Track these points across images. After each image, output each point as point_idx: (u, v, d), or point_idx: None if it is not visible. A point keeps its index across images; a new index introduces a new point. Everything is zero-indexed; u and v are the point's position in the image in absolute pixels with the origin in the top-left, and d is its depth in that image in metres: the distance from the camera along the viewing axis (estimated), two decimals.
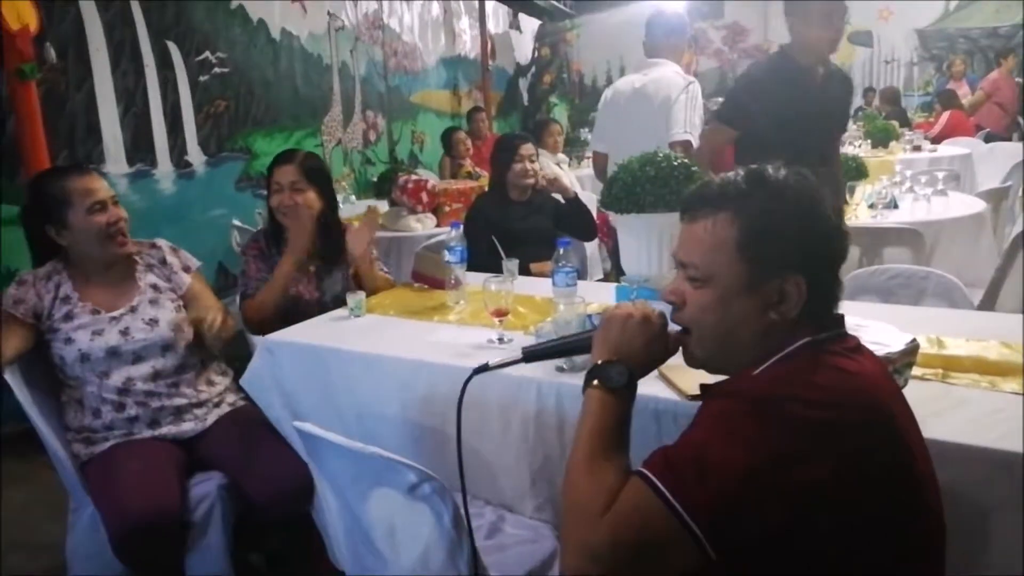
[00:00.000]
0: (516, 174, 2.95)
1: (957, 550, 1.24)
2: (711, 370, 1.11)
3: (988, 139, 7.51)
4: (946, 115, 7.52)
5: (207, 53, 4.57)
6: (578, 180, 5.34)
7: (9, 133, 3.25)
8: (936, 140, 6.87)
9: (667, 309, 1.13)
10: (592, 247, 3.90)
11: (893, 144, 6.02)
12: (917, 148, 5.91)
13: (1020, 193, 5.00)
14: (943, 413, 1.34)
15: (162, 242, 2.19)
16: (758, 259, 0.99)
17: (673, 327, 1.13)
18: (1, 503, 2.47)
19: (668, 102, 3.12)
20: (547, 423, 1.61)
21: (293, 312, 2.28)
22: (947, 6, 9.78)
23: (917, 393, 1.40)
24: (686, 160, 1.74)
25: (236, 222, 4.38)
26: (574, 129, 9.61)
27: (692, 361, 1.10)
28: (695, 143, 3.08)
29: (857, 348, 1.02)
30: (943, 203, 3.51)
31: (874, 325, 1.41)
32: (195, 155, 4.54)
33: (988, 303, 2.75)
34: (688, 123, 3.07)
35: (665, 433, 1.43)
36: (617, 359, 1.08)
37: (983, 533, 1.26)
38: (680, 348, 1.12)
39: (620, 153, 3.38)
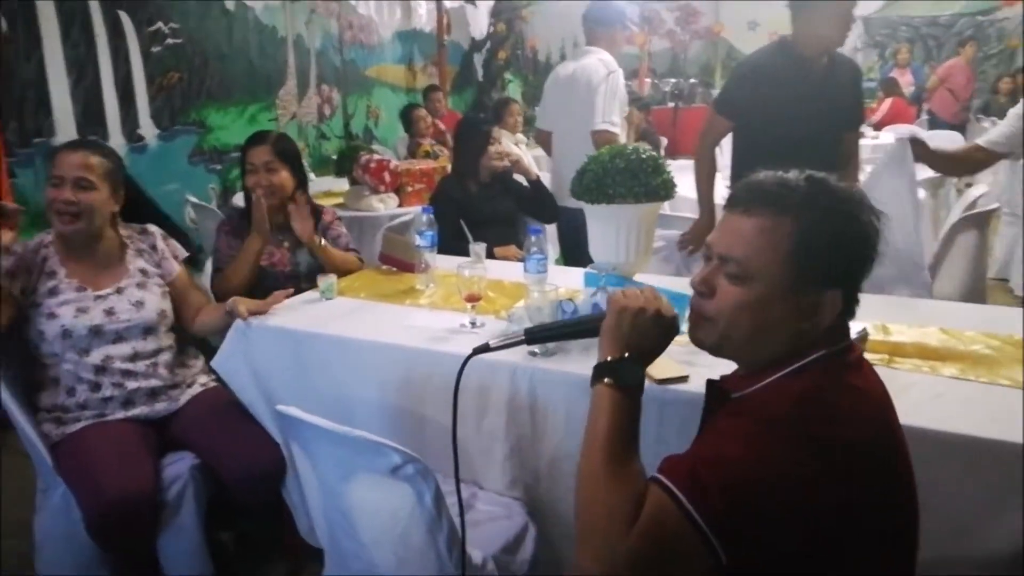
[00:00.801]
0: (490, 157, 3.00)
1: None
2: (718, 354, 1.10)
3: (932, 126, 7.77)
4: (888, 102, 7.77)
5: (160, 24, 4.46)
6: (535, 160, 5.39)
7: None
8: (878, 126, 7.10)
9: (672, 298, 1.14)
10: (551, 230, 3.97)
11: None
12: (860, 135, 6.09)
13: (955, 182, 5.25)
14: (893, 397, 1.45)
15: (153, 228, 2.20)
16: (807, 269, 0.99)
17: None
18: None
19: (590, 91, 3.36)
20: (520, 405, 1.68)
21: (271, 284, 2.30)
22: None
23: None
24: (654, 153, 1.81)
25: (191, 197, 4.31)
26: (530, 107, 9.63)
27: (701, 344, 1.09)
28: (616, 132, 3.31)
29: (860, 359, 1.06)
30: None
31: None
32: (147, 128, 4.45)
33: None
34: (605, 113, 3.29)
35: (668, 423, 1.48)
36: (629, 355, 1.07)
37: (925, 515, 1.37)
38: (695, 329, 1.10)
39: (558, 133, 3.65)
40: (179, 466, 1.94)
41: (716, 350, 1.08)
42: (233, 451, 1.96)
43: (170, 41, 4.54)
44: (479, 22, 10.25)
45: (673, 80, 10.03)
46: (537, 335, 1.25)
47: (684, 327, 1.13)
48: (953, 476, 1.34)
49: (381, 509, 1.38)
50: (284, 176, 2.41)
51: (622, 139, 3.49)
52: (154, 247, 2.17)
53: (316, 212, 2.52)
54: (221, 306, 2.09)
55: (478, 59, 10.37)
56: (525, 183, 3.21)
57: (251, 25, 5.39)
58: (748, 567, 0.90)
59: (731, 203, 1.07)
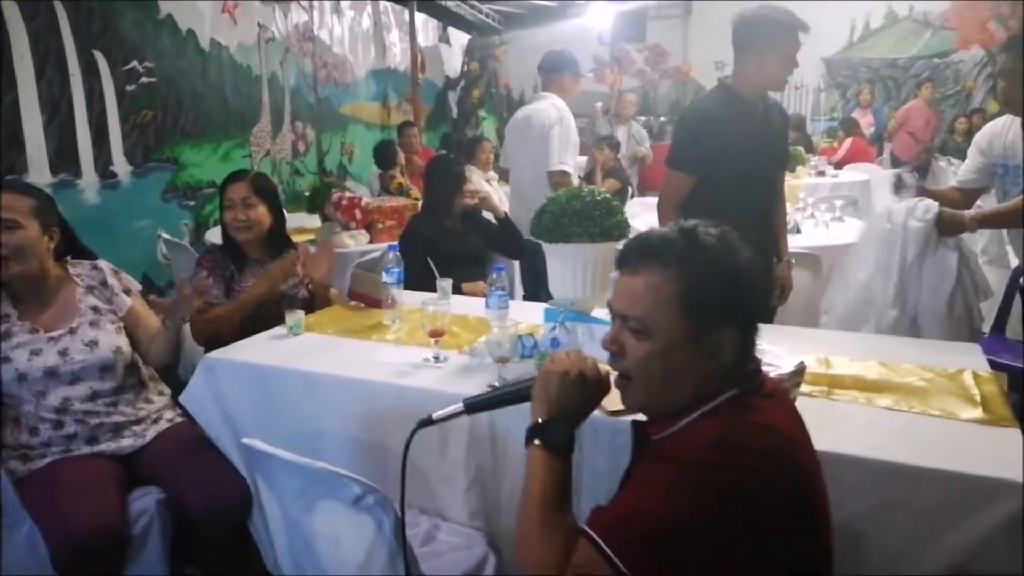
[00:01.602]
0: (464, 197, 3.11)
1: (837, 545, 1.44)
2: (648, 413, 1.17)
3: (894, 166, 8.00)
4: (848, 141, 8.01)
5: (135, 63, 4.53)
6: (505, 196, 5.50)
7: None
8: (839, 165, 7.32)
9: (604, 355, 1.19)
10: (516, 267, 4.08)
11: (800, 169, 6.37)
12: (821, 173, 6.30)
13: None
14: (826, 427, 1.53)
15: (103, 263, 2.20)
16: (699, 314, 1.06)
17: (605, 367, 1.20)
18: None
19: (543, 134, 3.61)
20: (480, 437, 1.74)
21: (255, 313, 2.39)
22: (851, 37, 10.39)
23: (805, 408, 1.58)
24: (608, 196, 1.90)
25: (163, 234, 4.35)
26: (502, 143, 9.78)
27: (631, 405, 1.16)
28: (568, 170, 3.56)
29: (771, 393, 1.14)
30: (840, 228, 3.81)
31: (771, 349, 1.59)
32: (120, 165, 4.49)
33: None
34: (559, 154, 3.55)
35: (617, 447, 1.54)
36: (557, 416, 1.15)
37: (856, 533, 1.45)
38: (618, 389, 1.17)
39: (515, 172, 3.94)
40: (145, 501, 1.96)
41: (645, 410, 1.16)
42: (199, 485, 1.99)
43: (144, 80, 4.61)
44: (453, 61, 10.46)
45: (643, 118, 10.27)
46: (476, 405, 1.31)
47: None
48: (885, 502, 1.42)
49: (343, 539, 1.43)
50: (261, 211, 2.50)
51: (574, 179, 3.69)
52: (104, 283, 2.16)
53: (291, 248, 2.60)
54: (159, 331, 2.12)
55: (452, 97, 10.56)
56: (493, 220, 3.30)
57: (226, 64, 5.48)
58: None
59: (620, 264, 1.15)
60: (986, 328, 2.92)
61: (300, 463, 1.38)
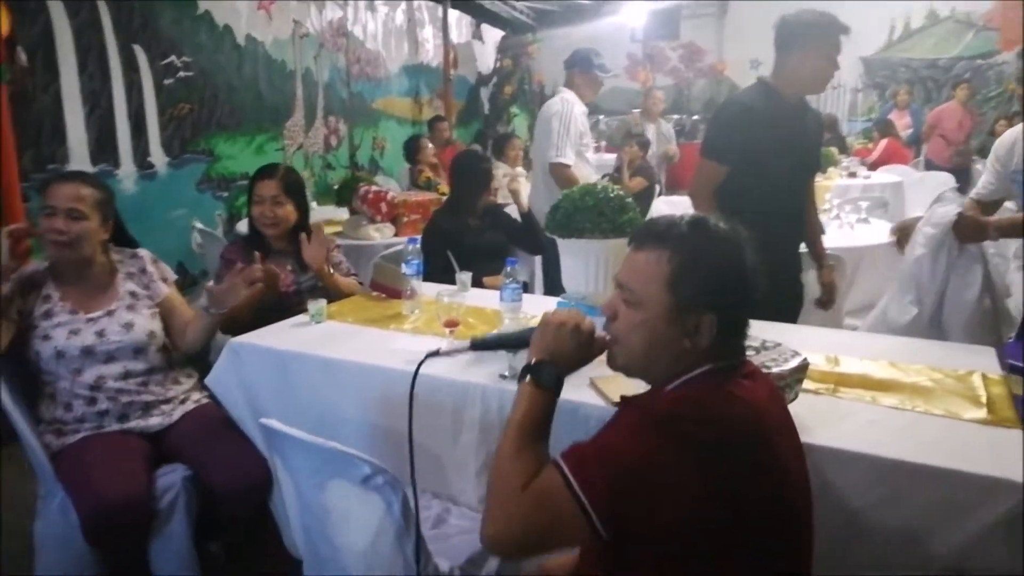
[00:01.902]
0: (490, 194, 3.17)
1: (834, 544, 1.46)
2: (628, 375, 1.27)
3: (929, 169, 7.83)
4: (883, 143, 7.90)
5: (172, 57, 4.67)
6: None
7: None
8: (873, 167, 7.23)
9: (601, 320, 1.30)
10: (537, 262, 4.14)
11: (831, 170, 6.31)
12: (853, 175, 6.23)
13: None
14: (830, 424, 1.56)
15: (143, 252, 2.31)
16: (682, 294, 1.15)
17: (602, 333, 1.29)
18: None
19: (547, 126, 3.68)
20: (491, 423, 1.79)
21: (276, 305, 2.45)
22: (891, 36, 10.23)
23: (810, 405, 1.63)
24: (621, 193, 1.93)
25: (197, 224, 4.47)
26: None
27: (613, 365, 1.26)
28: (567, 163, 3.57)
29: (752, 374, 1.21)
30: (866, 230, 3.79)
31: (776, 348, 1.61)
32: (157, 156, 4.63)
33: None
34: (559, 147, 3.57)
35: (591, 434, 1.62)
36: (550, 360, 1.23)
37: (856, 529, 1.47)
38: (605, 352, 1.27)
39: (535, 165, 4.01)
40: (172, 477, 2.04)
41: (626, 371, 1.26)
42: (223, 464, 2.07)
43: (182, 74, 4.75)
44: (486, 57, 10.52)
45: (676, 116, 10.23)
46: (480, 344, 1.42)
47: None
48: (885, 498, 1.44)
49: (353, 517, 1.49)
50: (289, 209, 2.57)
51: (585, 173, 3.65)
52: (143, 270, 2.28)
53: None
54: (198, 312, 2.22)
55: (484, 93, 10.62)
56: (516, 216, 3.35)
57: (261, 59, 5.61)
58: (626, 541, 1.05)
59: (631, 241, 1.26)
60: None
61: (313, 442, 1.44)
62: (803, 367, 1.54)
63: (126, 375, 2.12)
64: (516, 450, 1.15)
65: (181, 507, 2.03)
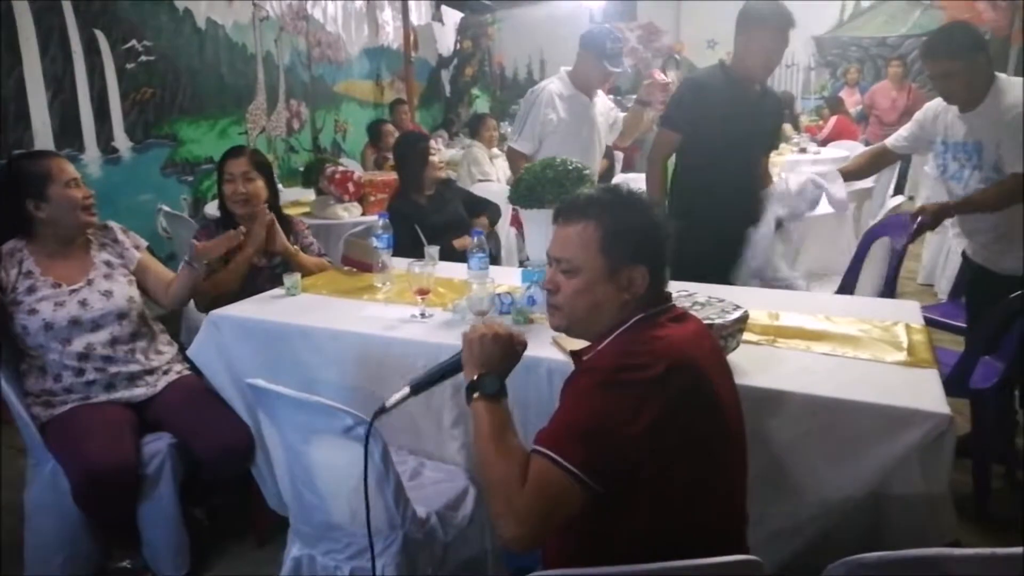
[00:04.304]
0: (433, 168, 3.25)
1: (770, 473, 1.63)
2: (570, 333, 1.42)
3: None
4: (833, 120, 8.14)
5: (133, 41, 4.66)
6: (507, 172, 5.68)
7: None
8: (823, 143, 7.47)
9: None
10: (510, 237, 4.28)
11: (783, 146, 6.52)
12: (803, 150, 6.45)
13: (889, 193, 5.60)
14: (767, 369, 1.73)
15: (113, 224, 2.42)
16: (613, 254, 1.30)
17: (517, 330, 1.43)
18: None
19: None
20: (462, 381, 1.92)
21: (253, 281, 2.57)
22: (841, 16, 10.48)
23: (751, 354, 1.80)
24: (580, 165, 2.07)
25: (163, 207, 4.51)
26: (496, 122, 9.90)
27: (557, 326, 1.41)
28: (518, 148, 3.37)
29: (681, 316, 1.37)
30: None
31: (720, 303, 1.77)
32: (121, 141, 4.64)
33: (845, 289, 3.21)
34: (516, 131, 3.41)
35: (555, 386, 1.74)
36: (485, 371, 1.34)
37: (790, 459, 1.65)
38: (550, 317, 1.41)
39: None
40: (158, 444, 2.15)
41: (568, 331, 1.41)
42: (207, 431, 2.18)
43: (144, 58, 4.75)
44: (446, 39, 10.54)
45: (635, 96, 10.37)
46: (419, 385, 1.46)
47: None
48: (813, 431, 1.62)
49: (336, 466, 1.61)
50: (259, 185, 2.64)
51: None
52: (115, 240, 2.39)
53: (287, 223, 2.75)
54: (181, 268, 2.34)
55: (445, 75, 10.65)
56: (468, 188, 3.46)
57: (222, 42, 5.61)
58: (617, 489, 1.19)
59: (556, 218, 1.39)
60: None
61: (299, 397, 1.57)
62: (743, 319, 1.70)
63: (113, 341, 2.22)
64: (498, 458, 1.24)
65: (167, 472, 2.14)
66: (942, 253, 5.09)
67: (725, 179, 2.71)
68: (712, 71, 2.85)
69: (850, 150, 6.91)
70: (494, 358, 1.36)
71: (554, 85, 3.38)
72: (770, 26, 2.64)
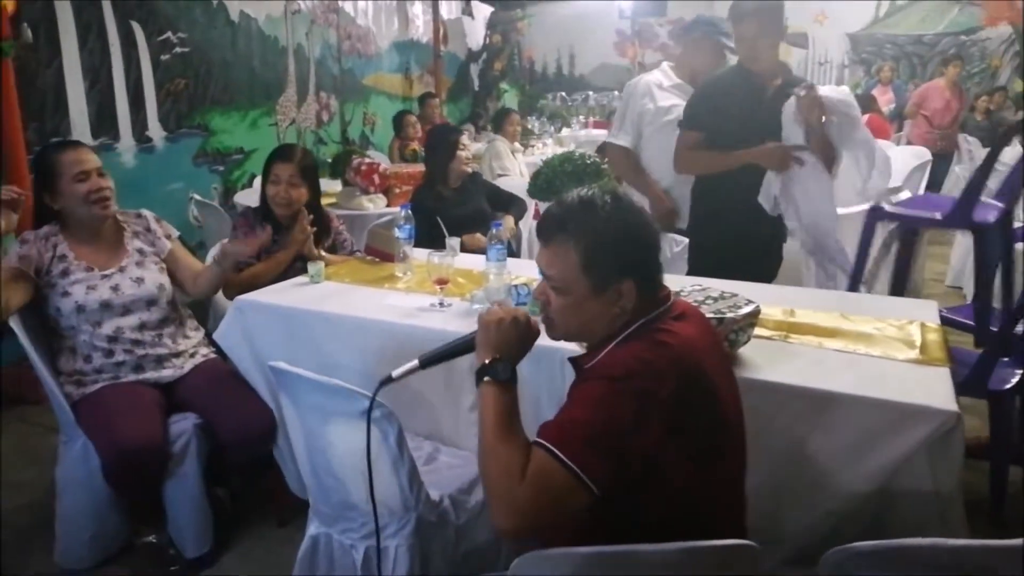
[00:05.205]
0: (460, 162, 3.28)
1: (778, 467, 1.65)
2: (569, 341, 1.44)
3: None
4: (865, 118, 7.99)
5: (168, 33, 4.77)
6: (528, 166, 5.70)
7: None
8: None
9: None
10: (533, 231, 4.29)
11: None
12: None
13: (921, 191, 5.52)
14: (778, 363, 1.75)
15: (147, 212, 2.49)
16: (597, 273, 1.29)
17: (535, 318, 1.42)
18: None
19: None
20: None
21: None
22: (877, 12, 10.31)
23: (763, 348, 1.81)
24: (597, 160, 2.10)
25: (195, 195, 4.61)
26: (524, 116, 9.93)
27: (555, 337, 1.41)
28: (613, 142, 3.16)
29: (683, 314, 1.36)
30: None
31: (733, 298, 1.78)
32: (155, 131, 4.75)
33: (866, 288, 3.19)
34: (616, 127, 3.21)
35: (568, 377, 1.77)
36: (499, 356, 1.32)
37: (798, 453, 1.66)
38: (546, 329, 1.41)
39: None
40: (184, 424, 2.22)
41: (566, 339, 1.43)
42: (230, 413, 2.25)
43: (178, 50, 4.85)
44: (476, 33, 10.56)
45: None
46: (429, 360, 1.46)
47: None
48: (823, 426, 1.63)
49: (353, 447, 1.65)
50: (302, 191, 2.69)
51: (656, 160, 3.20)
52: (148, 229, 2.45)
53: (326, 219, 2.82)
54: (211, 263, 2.40)
55: (474, 69, 10.70)
56: (494, 182, 3.48)
57: (254, 35, 5.71)
58: (614, 493, 1.20)
59: (538, 236, 1.38)
60: None
61: (318, 380, 1.62)
62: (755, 313, 1.72)
63: (141, 326, 2.29)
64: (502, 446, 1.23)
65: (193, 452, 2.21)
66: (971, 256, 5.02)
67: (745, 179, 2.71)
68: (729, 71, 2.86)
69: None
70: (509, 343, 1.35)
71: (652, 76, 3.30)
72: (750, 18, 2.65)
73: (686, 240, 2.97)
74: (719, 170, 2.74)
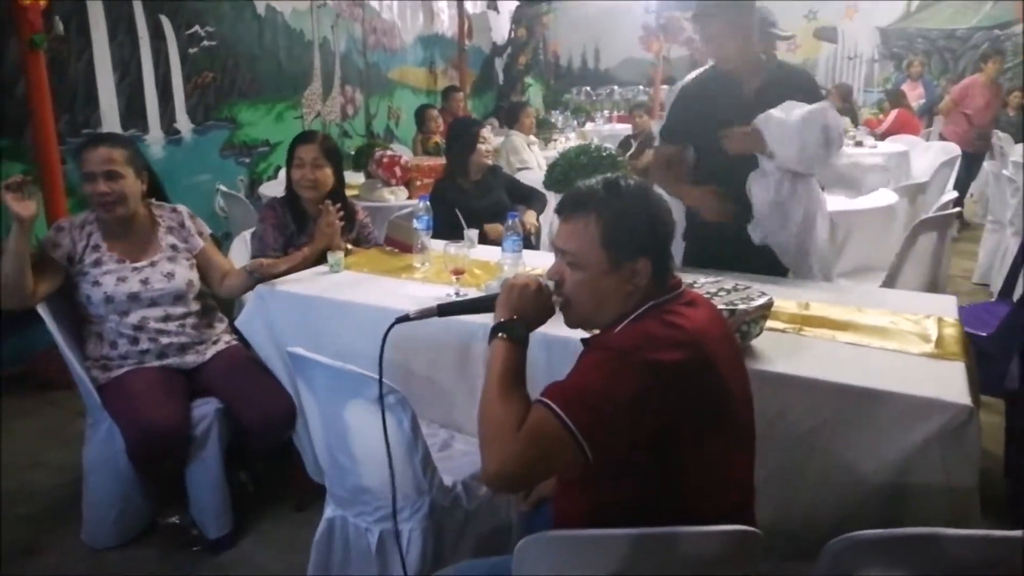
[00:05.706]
0: (480, 155, 3.30)
1: (790, 459, 1.66)
2: (585, 329, 1.43)
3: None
4: (894, 113, 7.92)
5: (197, 27, 4.85)
6: (547, 161, 5.71)
7: (18, 97, 3.56)
8: (883, 137, 7.28)
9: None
10: (553, 225, 4.30)
11: None
12: (859, 144, 6.31)
13: (949, 187, 5.45)
14: (791, 355, 1.75)
15: (182, 208, 2.53)
16: (615, 249, 1.31)
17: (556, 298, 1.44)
18: (4, 434, 2.97)
19: None
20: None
21: None
22: (908, 6, 10.15)
23: (776, 341, 1.82)
24: (613, 152, 2.11)
25: (221, 187, 4.69)
26: (547, 111, 9.93)
27: (570, 323, 1.42)
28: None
29: (693, 301, 1.38)
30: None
31: (746, 290, 1.79)
32: (183, 123, 4.84)
33: (889, 283, 3.17)
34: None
35: (553, 359, 1.79)
36: (517, 318, 1.37)
37: (810, 445, 1.67)
38: (561, 311, 1.41)
39: None
40: (206, 408, 2.28)
41: (583, 326, 1.43)
42: (251, 398, 2.30)
43: (206, 43, 4.93)
44: (500, 27, 10.56)
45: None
46: (447, 309, 1.51)
47: None
48: (835, 419, 1.64)
49: (369, 432, 1.69)
50: (327, 172, 2.68)
51: None
52: (182, 224, 2.49)
53: (352, 211, 2.84)
54: (243, 270, 2.41)
55: (499, 63, 10.70)
56: (513, 175, 3.49)
57: (280, 29, 5.77)
58: (607, 457, 1.22)
59: (558, 212, 1.42)
60: None
61: (334, 366, 1.65)
62: (767, 305, 1.72)
63: (166, 318, 2.34)
64: (503, 399, 1.27)
65: (214, 435, 2.26)
66: (998, 252, 4.97)
67: (737, 183, 2.50)
68: (703, 76, 2.67)
69: (910, 145, 6.73)
70: (529, 309, 1.38)
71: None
72: (716, 16, 2.48)
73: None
74: (676, 198, 2.56)
